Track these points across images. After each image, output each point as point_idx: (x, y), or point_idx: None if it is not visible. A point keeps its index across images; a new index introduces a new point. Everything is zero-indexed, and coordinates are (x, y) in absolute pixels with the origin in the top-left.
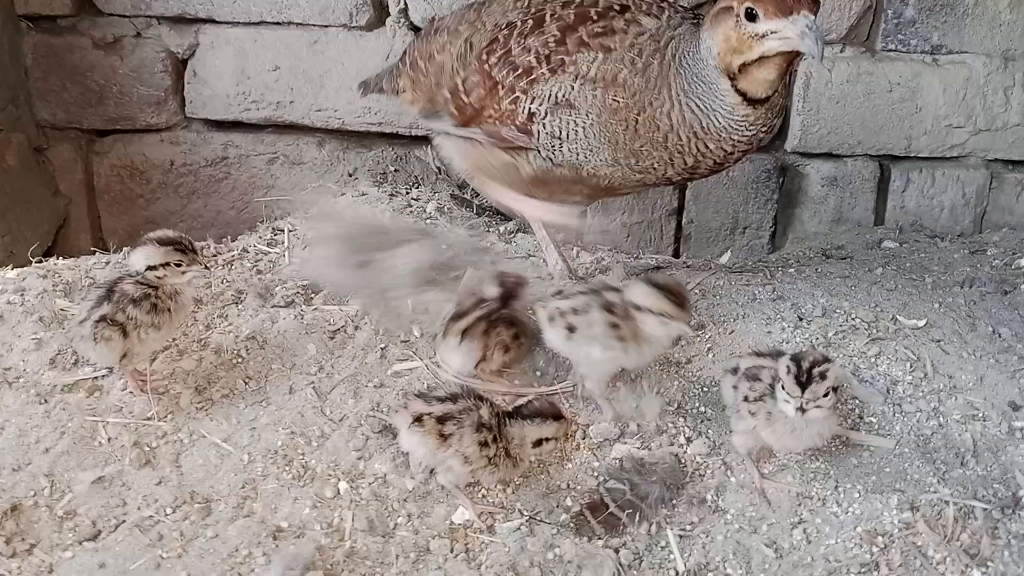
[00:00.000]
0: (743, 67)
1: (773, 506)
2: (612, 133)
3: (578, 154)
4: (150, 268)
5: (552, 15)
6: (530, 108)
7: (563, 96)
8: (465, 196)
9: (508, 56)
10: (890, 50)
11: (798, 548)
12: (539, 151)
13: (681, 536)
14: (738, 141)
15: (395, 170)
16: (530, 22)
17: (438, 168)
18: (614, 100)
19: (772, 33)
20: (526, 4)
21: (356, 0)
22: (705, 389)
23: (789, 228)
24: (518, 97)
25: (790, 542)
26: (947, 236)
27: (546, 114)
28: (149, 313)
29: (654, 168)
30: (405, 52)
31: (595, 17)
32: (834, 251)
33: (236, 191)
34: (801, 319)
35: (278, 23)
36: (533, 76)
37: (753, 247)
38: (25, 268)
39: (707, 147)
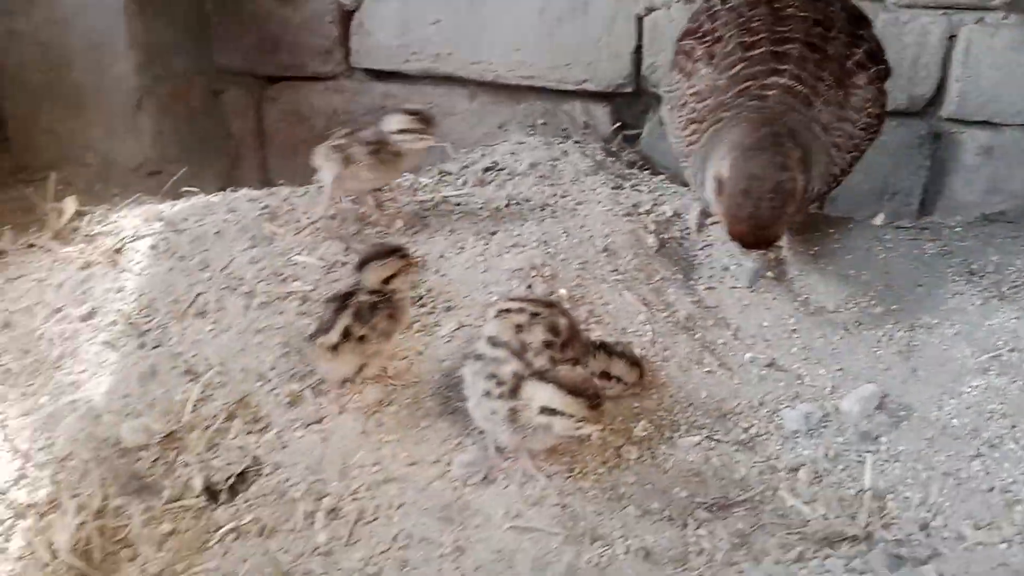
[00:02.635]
0: None
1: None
2: None
3: None
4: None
5: None
6: None
7: None
8: (613, 149)
9: None
10: None
11: (975, 477)
12: None
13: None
14: None
15: (543, 123)
16: None
17: (585, 123)
18: None
19: None
20: None
21: None
22: None
23: (939, 196)
24: None
25: (968, 472)
26: None
27: None
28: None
29: None
30: None
31: None
32: (996, 216)
33: None
34: (972, 274)
35: None
36: None
37: (900, 213)
38: (236, 191)
39: None
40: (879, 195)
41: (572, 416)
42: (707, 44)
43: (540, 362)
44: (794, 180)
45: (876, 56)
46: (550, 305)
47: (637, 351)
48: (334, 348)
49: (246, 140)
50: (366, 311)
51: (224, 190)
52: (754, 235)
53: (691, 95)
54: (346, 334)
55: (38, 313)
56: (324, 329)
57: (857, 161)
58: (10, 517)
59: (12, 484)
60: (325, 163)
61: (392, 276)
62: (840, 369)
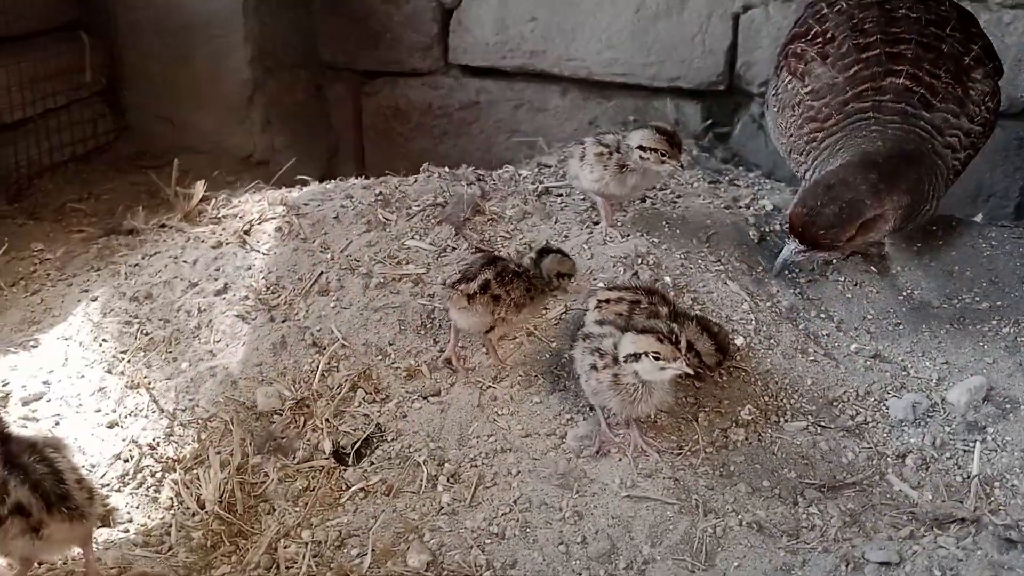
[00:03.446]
0: None
1: None
2: None
3: None
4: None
5: None
6: None
7: None
8: (706, 145)
9: None
10: None
11: None
12: None
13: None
14: None
15: (634, 120)
16: None
17: (675, 120)
18: None
19: None
20: None
21: None
22: None
23: None
24: None
25: None
26: None
27: None
28: None
29: None
30: None
31: None
32: None
33: (483, 134)
34: None
35: None
36: None
37: (996, 216)
38: (348, 180)
39: None
40: (974, 197)
41: (644, 350)
42: (819, 45)
43: None
44: (875, 213)
45: (991, 52)
46: (651, 292)
47: (740, 339)
48: (471, 297)
49: (345, 132)
50: (509, 275)
51: (323, 180)
52: (801, 224)
53: (807, 94)
54: (484, 287)
55: (176, 287)
56: (466, 278)
57: (971, 159)
58: (159, 470)
59: (162, 440)
60: (569, 158)
61: (565, 275)
62: (946, 362)
